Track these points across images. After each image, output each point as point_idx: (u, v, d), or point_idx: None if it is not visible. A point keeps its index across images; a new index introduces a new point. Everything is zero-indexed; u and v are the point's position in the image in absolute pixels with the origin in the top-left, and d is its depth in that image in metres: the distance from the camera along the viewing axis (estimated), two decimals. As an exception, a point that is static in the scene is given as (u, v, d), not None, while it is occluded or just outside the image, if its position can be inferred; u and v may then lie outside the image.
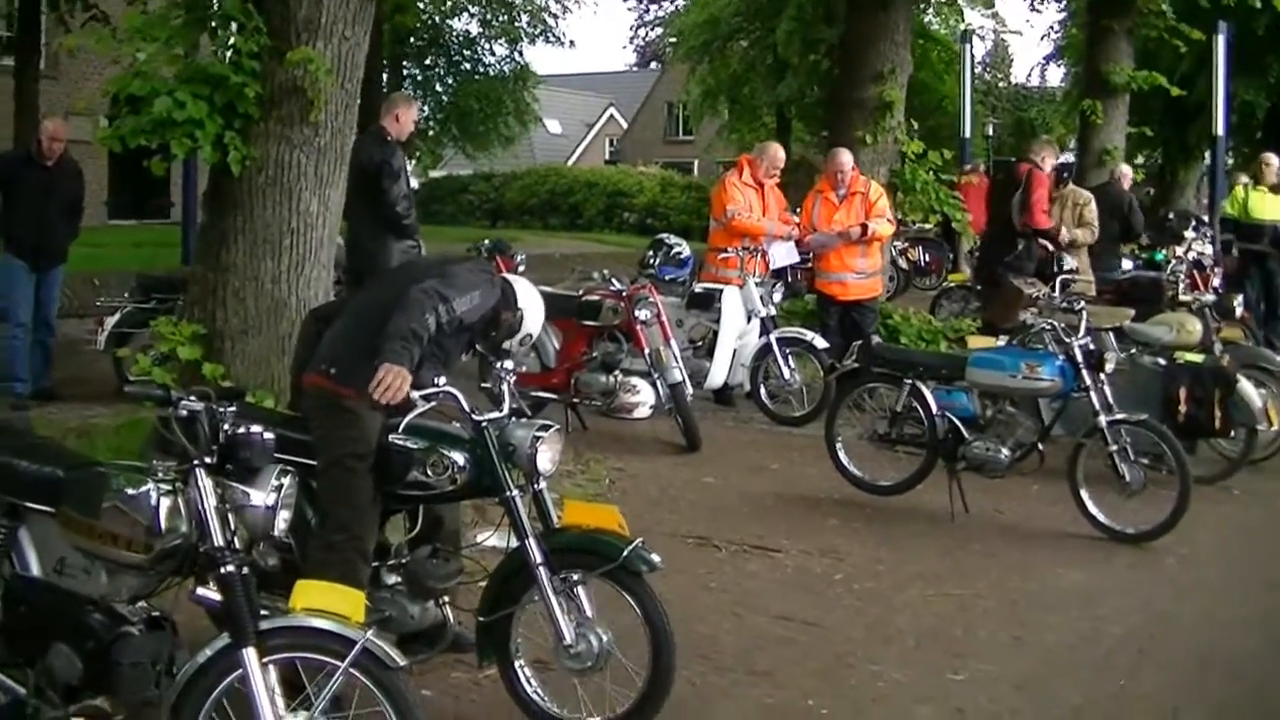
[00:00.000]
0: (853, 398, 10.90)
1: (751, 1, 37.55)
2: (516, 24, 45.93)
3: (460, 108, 45.56)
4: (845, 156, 14.61)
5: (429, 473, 6.25)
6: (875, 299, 14.85)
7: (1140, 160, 28.80)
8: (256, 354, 10.30)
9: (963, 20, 36.76)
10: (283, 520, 5.01)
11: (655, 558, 6.03)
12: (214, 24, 10.31)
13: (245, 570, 4.83)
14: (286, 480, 5.02)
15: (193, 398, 4.96)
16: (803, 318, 16.02)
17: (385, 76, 44.55)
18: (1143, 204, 30.17)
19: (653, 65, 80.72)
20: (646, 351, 12.17)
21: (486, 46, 46.52)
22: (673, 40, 51.02)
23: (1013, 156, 32.27)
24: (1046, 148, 15.36)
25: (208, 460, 4.88)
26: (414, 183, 49.93)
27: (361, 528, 6.28)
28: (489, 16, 45.77)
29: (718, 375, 13.32)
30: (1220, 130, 24.81)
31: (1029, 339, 11.33)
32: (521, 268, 15.45)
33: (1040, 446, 10.04)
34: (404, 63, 44.89)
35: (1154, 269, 18.55)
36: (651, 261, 14.53)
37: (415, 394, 6.12)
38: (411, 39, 44.00)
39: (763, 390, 13.61)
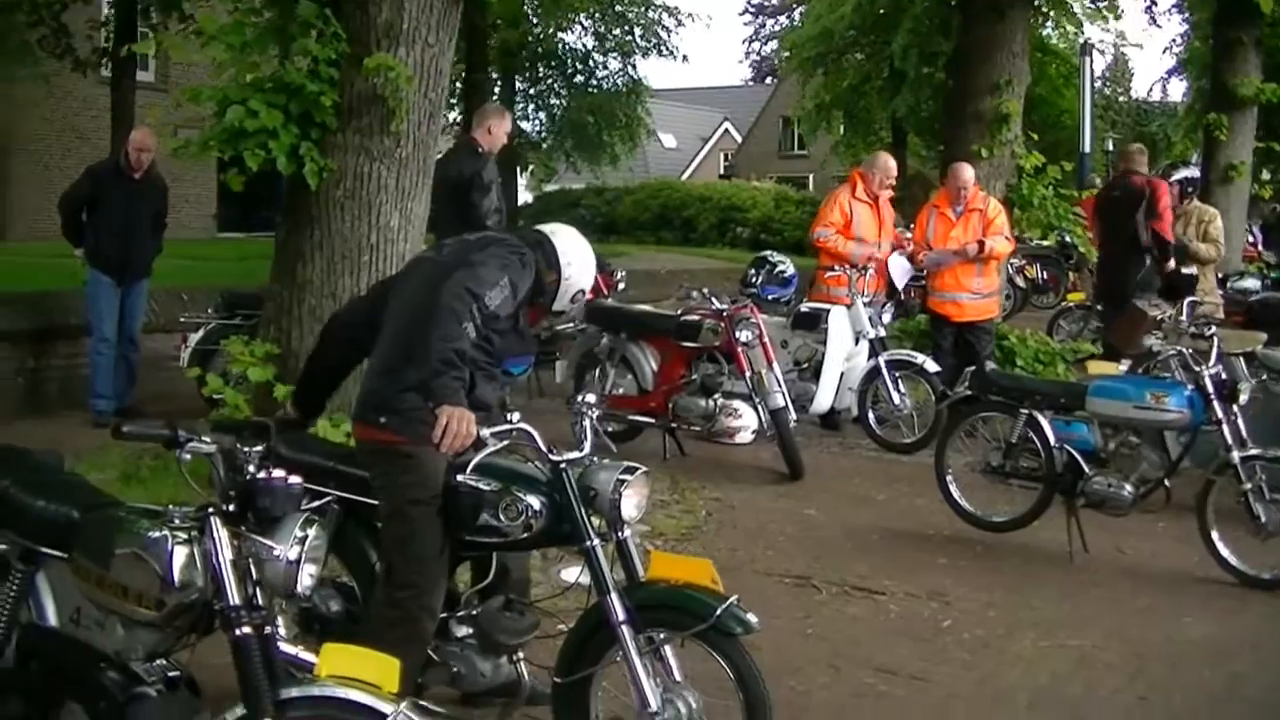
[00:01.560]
0: (964, 427, 10.24)
1: (867, 14, 36.85)
2: (630, 37, 45.57)
3: (574, 121, 45.33)
4: (967, 172, 13.96)
5: (501, 517, 5.69)
6: (991, 320, 14.18)
7: (1266, 175, 27.80)
8: (332, 376, 9.77)
9: (1081, 33, 35.90)
10: (308, 576, 4.45)
11: (752, 618, 5.36)
12: (291, 31, 9.80)
13: (267, 629, 4.31)
14: (312, 531, 4.46)
15: (205, 438, 4.44)
16: (915, 338, 15.37)
17: (497, 90, 44.56)
18: (1267, 221, 29.47)
19: (767, 80, 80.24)
20: (748, 374, 11.60)
21: (600, 60, 46.28)
22: (786, 54, 50.48)
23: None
24: (1136, 155, 14.82)
25: (224, 508, 4.36)
26: (527, 196, 50.04)
27: (427, 580, 5.74)
28: (603, 30, 45.49)
29: (823, 399, 12.71)
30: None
31: (1155, 366, 10.66)
32: (621, 285, 15.02)
33: (1167, 483, 9.31)
34: (516, 77, 44.74)
35: None
36: (754, 280, 13.95)
37: (485, 432, 5.59)
38: (523, 52, 43.85)
39: (870, 415, 13.00)
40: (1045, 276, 25.38)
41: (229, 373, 10.14)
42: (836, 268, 13.25)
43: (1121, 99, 66.75)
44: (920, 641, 7.77)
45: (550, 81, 46.14)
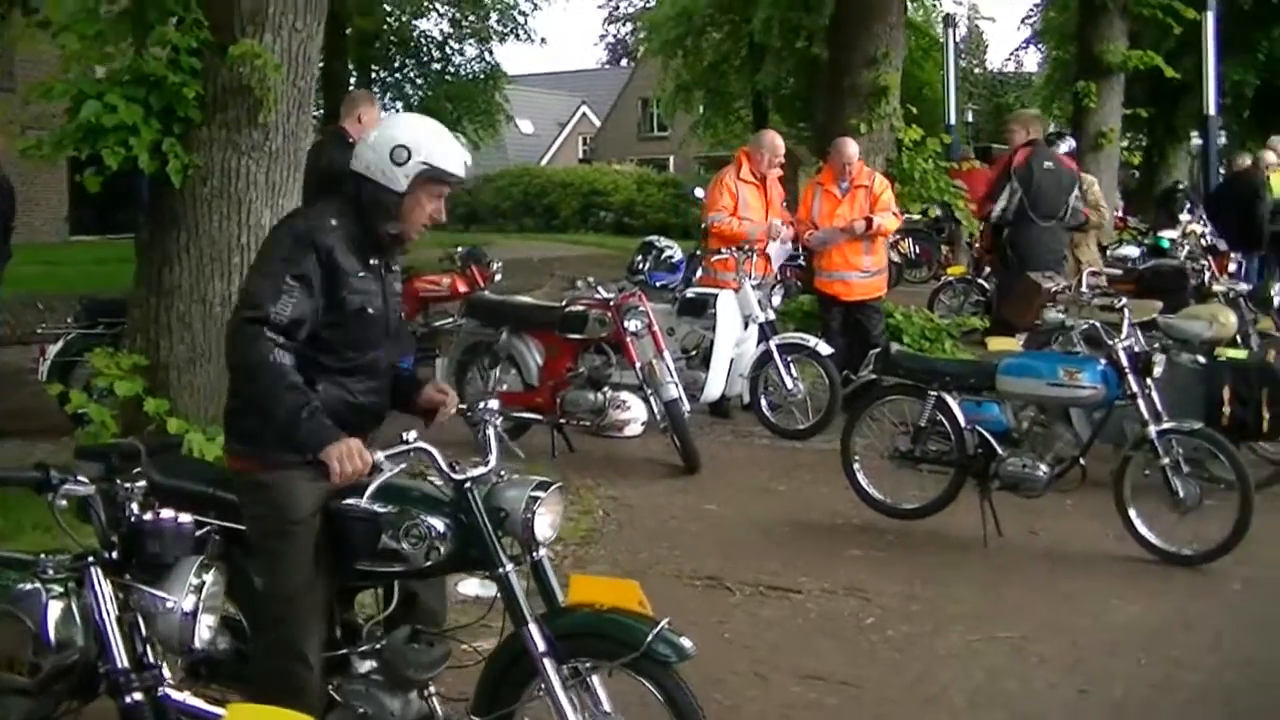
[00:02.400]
0: (870, 412, 9.86)
1: (725, -9, 36.67)
2: (487, 23, 45.02)
3: (431, 110, 44.63)
4: (852, 148, 13.61)
5: (402, 542, 5.13)
6: (880, 298, 13.82)
7: (1125, 142, 27.90)
8: (206, 385, 9.20)
9: (939, 5, 35.95)
10: (205, 629, 3.95)
11: (686, 642, 4.86)
12: (149, 18, 9.18)
13: (160, 690, 3.80)
14: (209, 577, 3.96)
15: (80, 477, 3.91)
16: (798, 320, 15.03)
17: (353, 81, 43.79)
18: (1127, 187, 29.55)
19: (624, 62, 79.92)
20: (638, 366, 11.18)
21: (456, 47, 45.69)
22: (644, 35, 50.18)
23: (991, 144, 31.57)
24: (1034, 121, 14.43)
25: (106, 555, 3.84)
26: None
27: (296, 617, 5.17)
28: (459, 16, 44.91)
29: (714, 387, 12.31)
30: (1212, 110, 24.33)
31: (1058, 339, 10.37)
32: (498, 276, 14.55)
33: (1082, 461, 9.01)
34: (372, 66, 44.07)
35: (1159, 255, 17.66)
36: (641, 266, 13.60)
37: (380, 455, 5.07)
38: (378, 42, 43.20)
39: (763, 401, 12.62)
40: (918, 251, 25.18)
41: (93, 386, 9.52)
42: (724, 250, 12.85)
43: (977, 71, 67.14)
44: (844, 642, 7.38)
45: (407, 70, 45.45)
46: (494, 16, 44.76)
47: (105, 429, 9.04)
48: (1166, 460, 8.59)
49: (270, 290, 5.08)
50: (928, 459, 9.44)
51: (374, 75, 43.69)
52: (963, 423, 9.18)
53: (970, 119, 51.75)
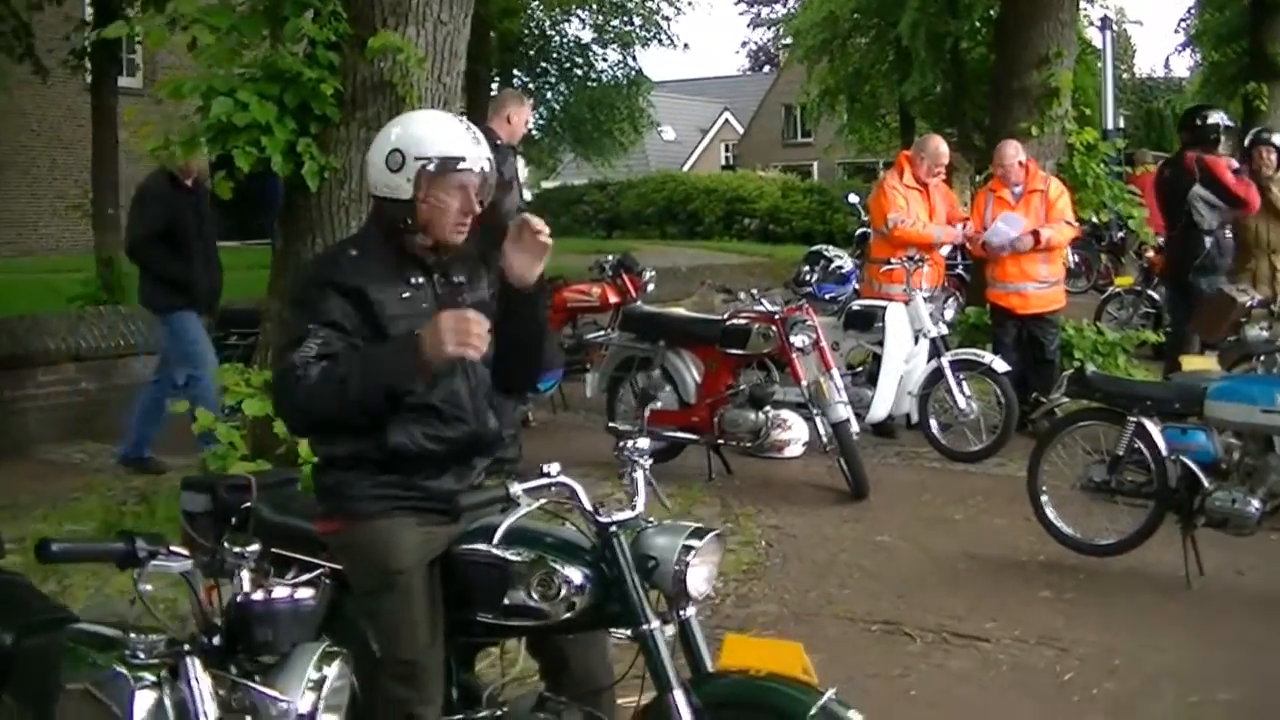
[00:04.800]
0: (1061, 438, 9.07)
1: (871, -3, 35.86)
2: (630, 28, 44.66)
3: (573, 115, 44.44)
4: (1011, 148, 12.82)
5: (534, 594, 4.50)
6: (1058, 312, 12.98)
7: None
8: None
9: (1095, 5, 34.87)
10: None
11: (855, 716, 4.19)
12: (284, 10, 8.63)
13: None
14: (332, 671, 3.31)
15: (175, 549, 3.29)
16: (963, 334, 14.26)
17: (495, 86, 43.56)
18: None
19: (765, 69, 79.24)
20: (804, 384, 10.49)
21: (599, 52, 45.40)
22: (786, 42, 49.55)
23: (1141, 148, 30.48)
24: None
25: (205, 642, 3.21)
26: (527, 194, 49.37)
27: (411, 676, 4.57)
28: (602, 21, 44.60)
29: (881, 406, 11.61)
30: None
31: (1259, 359, 9.54)
32: (651, 286, 13.95)
33: (1298, 497, 8.17)
34: (514, 70, 43.90)
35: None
36: (808, 277, 12.84)
37: (517, 488, 4.44)
38: (521, 46, 43.00)
39: (933, 422, 11.87)
40: (1078, 260, 24.24)
41: (222, 404, 9.00)
42: (893, 260, 12.13)
43: (1125, 75, 65.74)
44: (1044, 702, 6.63)
45: (548, 76, 45.21)
46: (637, 21, 44.37)
47: (233, 451, 8.53)
48: (1393, 497, 7.75)
49: (295, 343, 4.59)
50: (1124, 490, 8.60)
51: (515, 80, 43.50)
52: (1165, 451, 8.34)
53: (1121, 124, 50.51)
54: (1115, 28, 40.64)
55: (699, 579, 4.50)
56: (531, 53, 44.11)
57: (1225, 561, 8.51)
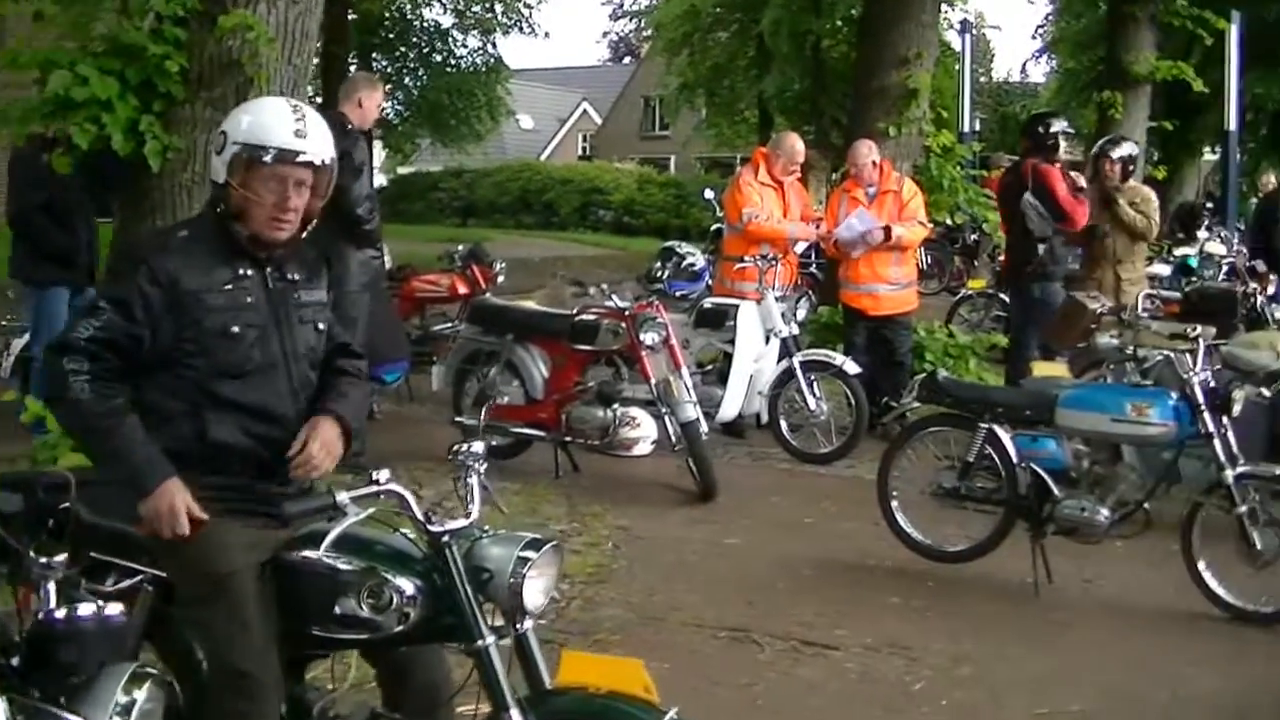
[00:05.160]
0: (911, 443, 8.97)
1: (735, -9, 35.94)
2: (491, 14, 44.38)
3: (431, 101, 44.08)
4: (865, 148, 12.75)
5: (364, 606, 4.31)
6: (910, 314, 12.92)
7: (1156, 156, 27.14)
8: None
9: (956, 6, 35.07)
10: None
11: None
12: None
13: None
14: (141, 695, 3.08)
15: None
16: (814, 333, 14.18)
17: (354, 68, 43.06)
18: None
19: (625, 60, 79.15)
20: (653, 382, 10.31)
21: (459, 38, 45.09)
22: (648, 34, 49.57)
23: (997, 151, 30.70)
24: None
25: (3, 663, 2.97)
26: (382, 179, 48.83)
27: (241, 689, 4.29)
28: (463, 7, 44.27)
29: (731, 406, 11.47)
30: (1233, 125, 23.49)
31: (1109, 367, 9.53)
32: (501, 278, 13.73)
33: (1146, 505, 8.13)
34: (373, 54, 43.50)
35: (1187, 274, 16.87)
36: (660, 274, 12.67)
37: (344, 497, 4.24)
38: (381, 29, 42.61)
39: (783, 422, 11.72)
40: (930, 261, 24.36)
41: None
42: (746, 258, 11.97)
43: (983, 79, 66.38)
44: (893, 712, 6.51)
45: (408, 60, 44.83)
46: (499, 8, 44.11)
47: (65, 441, 8.16)
48: (1244, 508, 7.70)
49: (82, 315, 4.45)
50: (974, 497, 8.54)
51: (374, 63, 43.07)
52: (1015, 458, 8.28)
53: (977, 128, 51.03)
54: (975, 32, 41.11)
55: (536, 592, 4.32)
56: (391, 36, 43.82)
57: (1073, 570, 8.45)
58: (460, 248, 14.30)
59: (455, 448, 4.59)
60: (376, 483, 4.32)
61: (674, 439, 10.29)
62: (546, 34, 75.22)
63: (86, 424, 4.38)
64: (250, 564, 4.41)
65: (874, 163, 12.58)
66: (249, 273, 4.53)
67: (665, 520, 9.82)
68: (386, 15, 40.18)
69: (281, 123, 4.46)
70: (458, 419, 11.30)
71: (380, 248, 10.78)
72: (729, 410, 11.52)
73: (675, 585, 8.30)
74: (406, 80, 45.50)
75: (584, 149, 73.98)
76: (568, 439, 10.75)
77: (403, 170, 55.68)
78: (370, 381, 11.40)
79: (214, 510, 4.38)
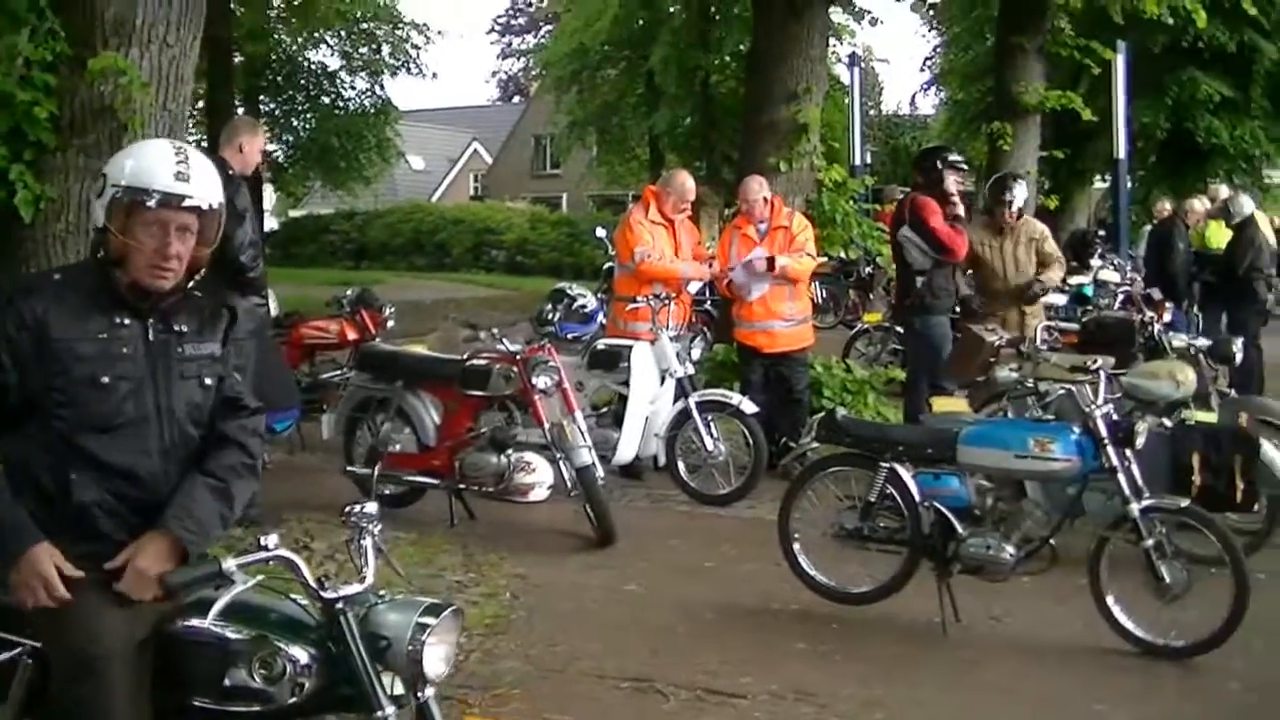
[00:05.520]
0: (811, 484, 8.78)
1: (622, 28, 35.80)
2: (379, 56, 44.16)
3: (320, 144, 43.79)
4: (755, 184, 12.57)
5: (256, 676, 4.10)
6: (807, 350, 12.76)
7: (1048, 185, 27.27)
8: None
9: (843, 43, 35.23)
10: None
11: None
12: (-1, 28, 8.02)
13: None
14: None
15: None
16: (710, 372, 13.99)
17: (240, 112, 42.68)
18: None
19: (515, 99, 79.05)
20: (547, 427, 10.08)
21: (347, 80, 44.84)
22: (537, 72, 49.53)
23: (889, 184, 30.76)
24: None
25: None
26: (273, 223, 48.42)
27: None
28: (350, 49, 44.03)
29: (627, 449, 11.26)
30: (1122, 153, 23.76)
31: (1009, 399, 9.43)
32: (391, 322, 13.48)
33: (1052, 541, 8.00)
34: (260, 97, 43.16)
35: (1082, 303, 16.88)
36: (551, 317, 12.45)
37: (230, 563, 4.00)
38: (269, 71, 42.29)
39: (681, 464, 11.54)
40: (825, 295, 24.34)
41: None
42: (639, 298, 11.77)
43: (873, 112, 66.80)
44: (803, 765, 6.33)
45: (295, 103, 44.50)
46: (386, 50, 43.88)
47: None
48: (1150, 541, 7.59)
49: None
50: (877, 537, 8.36)
51: (262, 105, 42.71)
52: (918, 497, 8.13)
53: (869, 160, 51.31)
54: (863, 65, 41.37)
55: (436, 659, 4.15)
56: (278, 79, 43.50)
57: (981, 607, 8.31)
58: (349, 292, 14.03)
59: (348, 509, 4.38)
60: (265, 548, 4.09)
61: (569, 484, 10.06)
62: (435, 75, 74.87)
63: None
64: (126, 644, 4.15)
65: (765, 199, 12.40)
66: (127, 322, 4.31)
67: (563, 567, 9.59)
68: (273, 58, 39.74)
69: (163, 165, 4.25)
70: (349, 468, 11.03)
71: (265, 294, 10.49)
72: (625, 453, 11.31)
73: (575, 635, 8.05)
74: (295, 123, 45.19)
75: (476, 189, 73.74)
76: (462, 486, 10.50)
77: (294, 213, 55.27)
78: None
79: (85, 582, 4.13)
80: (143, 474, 4.29)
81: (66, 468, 4.21)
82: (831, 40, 34.41)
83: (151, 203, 4.19)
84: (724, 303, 14.75)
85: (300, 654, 4.08)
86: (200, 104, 31.40)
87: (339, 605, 4.07)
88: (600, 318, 13.50)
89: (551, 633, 8.09)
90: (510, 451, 10.22)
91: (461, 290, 31.80)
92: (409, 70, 44.10)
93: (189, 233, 4.28)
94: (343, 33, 42.49)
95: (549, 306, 12.89)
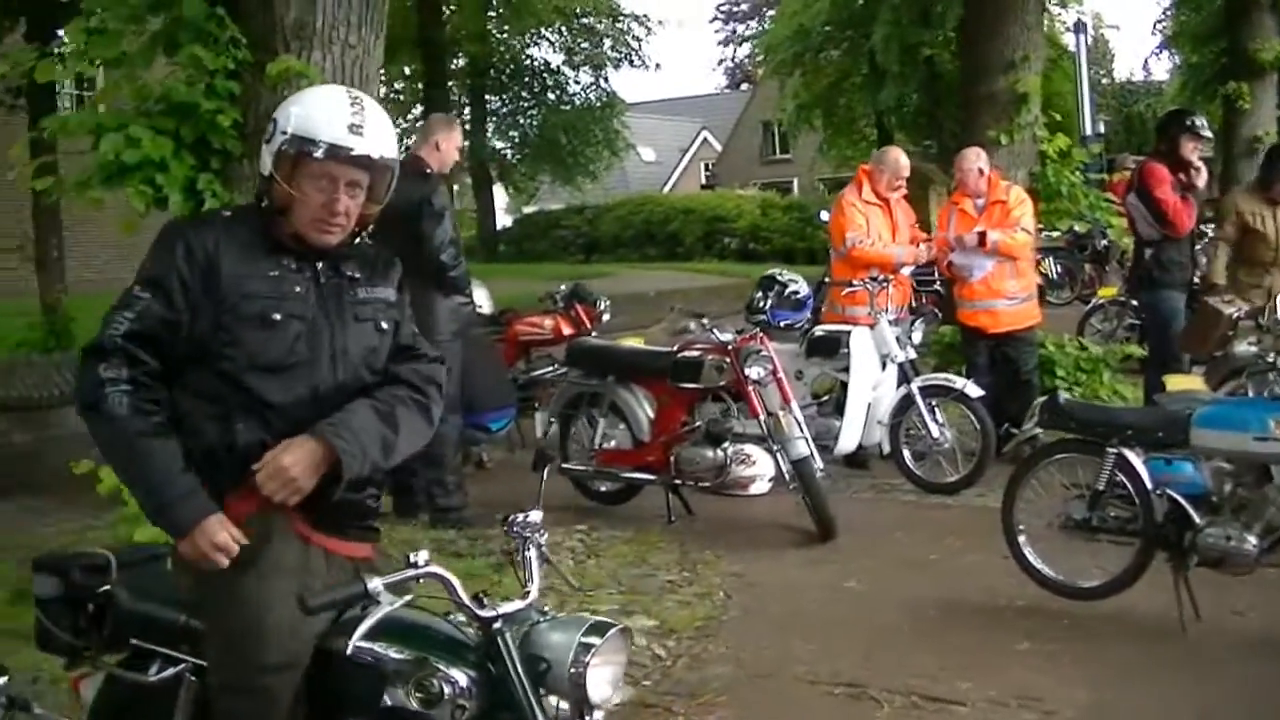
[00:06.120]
0: (1035, 473, 8.31)
1: (843, 8, 35.27)
2: (599, 50, 44.34)
3: (548, 139, 44.15)
4: (970, 156, 12.11)
5: (414, 699, 3.83)
6: (1034, 328, 12.21)
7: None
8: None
9: (1069, 9, 34.19)
10: None
11: None
12: (180, 39, 7.87)
13: None
14: None
15: None
16: (938, 354, 13.56)
17: (468, 111, 43.26)
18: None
19: (743, 86, 78.81)
20: (761, 418, 9.76)
21: (570, 75, 45.16)
22: (761, 57, 49.15)
23: (1123, 153, 29.76)
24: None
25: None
26: (507, 220, 49.08)
27: None
28: (571, 44, 44.30)
29: (849, 438, 10.90)
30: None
31: (1250, 378, 8.83)
32: (606, 316, 13.28)
33: (1300, 530, 7.39)
34: (486, 95, 43.68)
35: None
36: (762, 304, 12.11)
37: (377, 583, 3.75)
38: (491, 71, 42.73)
39: (906, 452, 11.13)
40: (1059, 271, 23.62)
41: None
42: (855, 282, 11.39)
43: (1104, 80, 65.22)
44: (1026, 777, 5.92)
45: (522, 99, 44.92)
46: (607, 43, 44.02)
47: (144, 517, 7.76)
48: None
49: (116, 308, 3.94)
50: (1107, 528, 7.84)
51: (488, 104, 43.26)
52: (1149, 485, 7.60)
53: (1101, 129, 50.01)
54: (1092, 32, 40.27)
55: (601, 682, 3.83)
56: (503, 77, 43.92)
57: (1222, 602, 7.73)
58: (562, 287, 13.86)
59: (510, 518, 4.10)
60: (414, 564, 3.82)
61: (787, 476, 9.73)
62: (657, 66, 75.26)
63: (119, 443, 3.91)
64: (292, 657, 3.96)
65: (980, 170, 11.92)
66: (294, 265, 4.07)
67: (781, 563, 9.27)
68: (495, 57, 40.17)
69: (336, 115, 3.97)
70: (565, 466, 10.86)
71: (469, 293, 10.33)
72: (848, 442, 10.96)
73: (789, 637, 7.71)
74: (521, 120, 45.60)
75: (706, 177, 73.64)
76: (678, 481, 10.26)
77: (527, 210, 55.82)
78: (474, 430, 11.09)
79: (252, 587, 3.95)
80: (312, 417, 3.99)
81: (232, 412, 3.97)
82: (1056, 8, 33.81)
83: (320, 154, 3.93)
84: (949, 283, 14.27)
85: (460, 676, 3.80)
86: (418, 103, 31.79)
87: (497, 624, 3.80)
88: (810, 306, 13.13)
89: (764, 635, 7.78)
90: (727, 444, 9.94)
91: (691, 280, 31.52)
92: (631, 62, 44.24)
93: (359, 188, 4.02)
94: (563, 28, 42.70)
95: (759, 294, 12.55)
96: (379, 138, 4.01)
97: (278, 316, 3.96)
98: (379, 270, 4.25)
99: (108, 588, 4.33)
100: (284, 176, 3.96)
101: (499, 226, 49.88)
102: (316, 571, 4.02)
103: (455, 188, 26.99)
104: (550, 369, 12.69)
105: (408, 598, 3.86)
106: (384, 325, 4.21)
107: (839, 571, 8.99)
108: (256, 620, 3.93)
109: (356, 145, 3.94)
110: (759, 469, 9.90)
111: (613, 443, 10.72)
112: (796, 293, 12.45)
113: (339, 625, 3.98)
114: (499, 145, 47.05)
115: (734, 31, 75.09)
